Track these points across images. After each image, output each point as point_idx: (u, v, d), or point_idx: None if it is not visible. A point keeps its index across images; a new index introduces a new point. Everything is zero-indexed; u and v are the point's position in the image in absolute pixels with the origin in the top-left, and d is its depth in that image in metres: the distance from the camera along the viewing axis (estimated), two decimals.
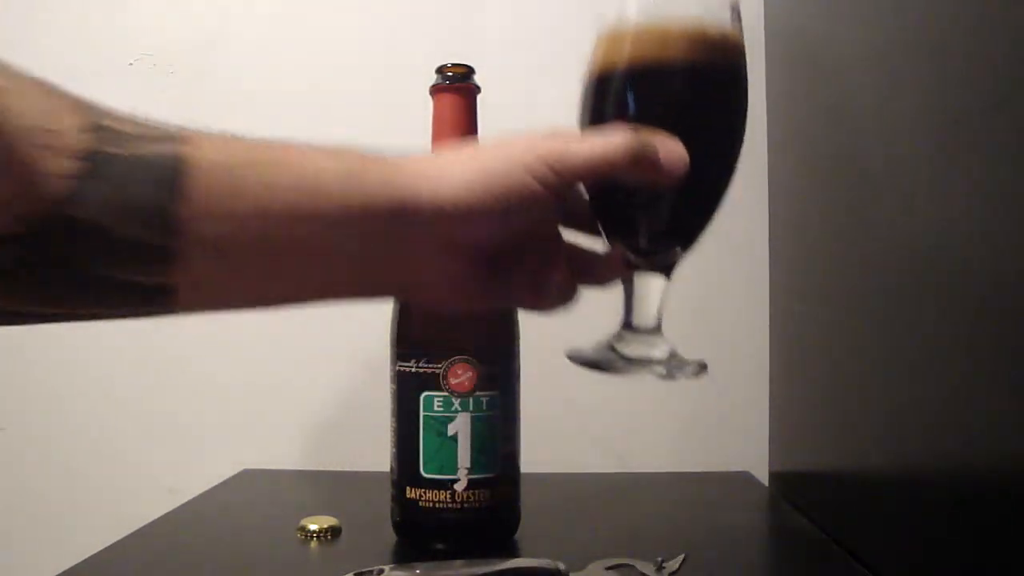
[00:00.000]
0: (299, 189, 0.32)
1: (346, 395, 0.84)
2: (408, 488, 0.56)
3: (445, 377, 0.55)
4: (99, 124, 0.28)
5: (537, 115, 0.85)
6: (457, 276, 0.36)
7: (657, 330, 0.40)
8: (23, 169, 0.26)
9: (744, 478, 0.79)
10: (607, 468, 0.82)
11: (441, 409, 0.55)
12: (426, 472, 0.55)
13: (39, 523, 0.85)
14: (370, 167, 0.34)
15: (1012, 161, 0.39)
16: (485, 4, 0.86)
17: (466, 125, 0.57)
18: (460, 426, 0.55)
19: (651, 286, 0.41)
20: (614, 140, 0.34)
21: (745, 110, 0.40)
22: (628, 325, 0.41)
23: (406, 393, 0.56)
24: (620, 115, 0.37)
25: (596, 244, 0.41)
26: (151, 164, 0.29)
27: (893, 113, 0.53)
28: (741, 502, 0.72)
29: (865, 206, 0.58)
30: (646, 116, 0.37)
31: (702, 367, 0.39)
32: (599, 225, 0.41)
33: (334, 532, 0.59)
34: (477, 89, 0.58)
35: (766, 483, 0.79)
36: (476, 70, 0.58)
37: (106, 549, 0.56)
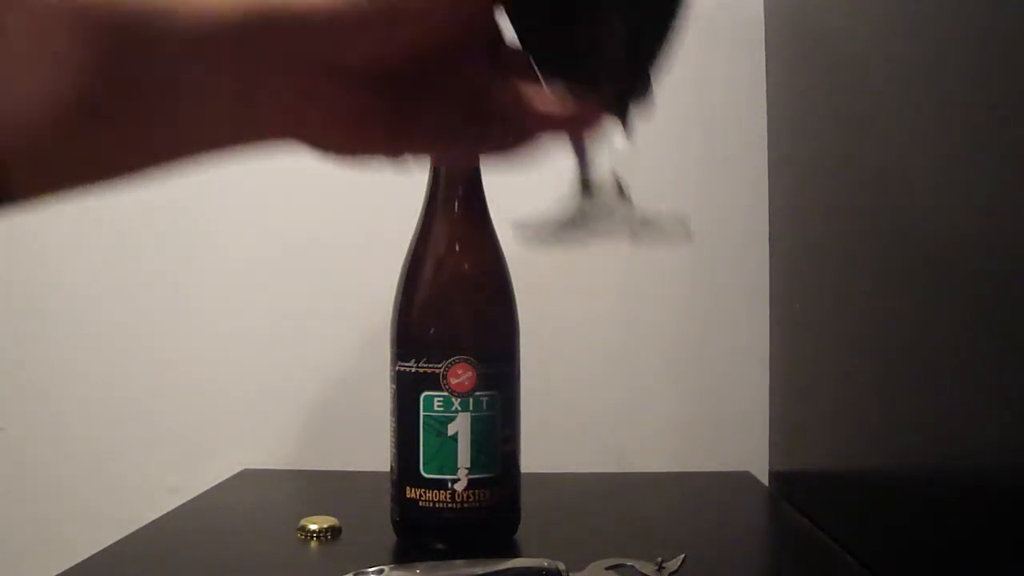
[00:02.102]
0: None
1: (346, 395, 0.84)
2: (408, 488, 0.56)
3: (445, 377, 0.55)
4: None
5: None
6: (354, 111, 0.29)
7: (621, 191, 0.33)
8: None
9: (744, 478, 0.79)
10: (607, 468, 0.82)
11: (441, 409, 0.55)
12: (426, 472, 0.55)
13: (39, 523, 0.85)
14: None
15: (1016, 157, 0.39)
16: None
17: None
18: (460, 426, 0.55)
19: (608, 139, 0.33)
20: None
21: None
22: (585, 184, 0.33)
23: (406, 393, 0.56)
24: None
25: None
26: None
27: (896, 110, 0.53)
28: (741, 502, 0.72)
29: (866, 205, 0.58)
30: None
31: (680, 224, 0.32)
32: (532, 59, 0.32)
33: (334, 532, 0.59)
34: None
35: (766, 483, 0.79)
36: None
37: (106, 549, 0.56)
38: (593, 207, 0.33)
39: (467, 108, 0.31)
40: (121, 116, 0.26)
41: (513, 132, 0.32)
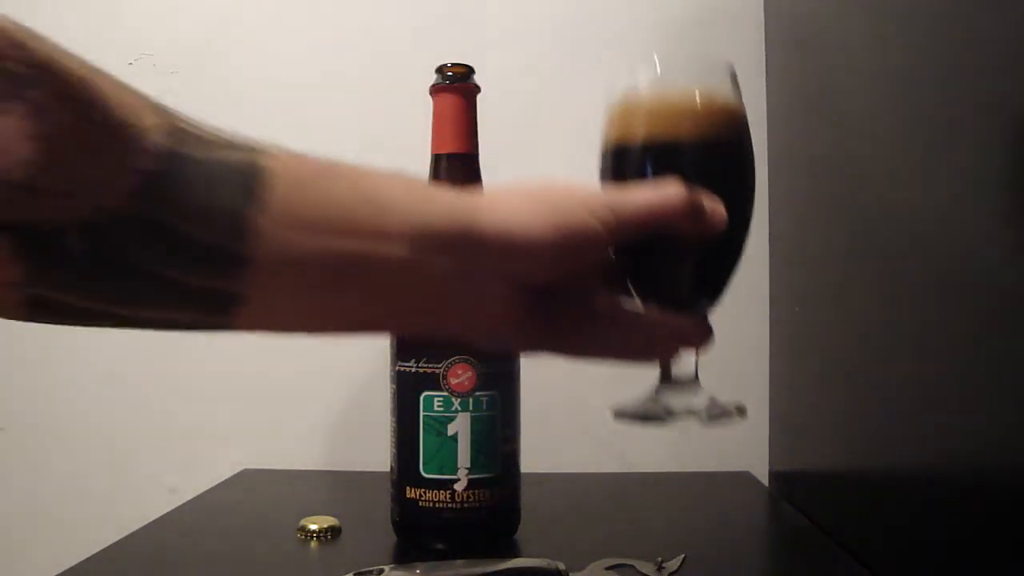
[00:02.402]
0: (370, 204, 0.31)
1: (346, 395, 0.84)
2: (408, 488, 0.56)
3: (445, 377, 0.55)
4: (176, 126, 0.28)
5: (537, 115, 0.85)
6: (510, 313, 0.35)
7: (695, 379, 0.42)
8: (110, 159, 0.26)
9: (744, 478, 0.79)
10: (607, 468, 0.82)
11: (441, 409, 0.55)
12: (426, 472, 0.55)
13: (39, 523, 0.85)
14: (435, 193, 0.34)
15: (1013, 158, 0.39)
16: (485, 4, 0.86)
17: (466, 125, 0.57)
18: (460, 426, 0.55)
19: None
20: (670, 190, 0.35)
21: (753, 168, 0.42)
22: (667, 377, 0.43)
23: (406, 393, 0.56)
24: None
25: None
26: (230, 169, 0.29)
27: (897, 110, 0.53)
28: (741, 502, 0.72)
29: (866, 205, 0.58)
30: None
31: (740, 410, 0.41)
32: (630, 285, 0.41)
33: (334, 532, 0.59)
34: (477, 89, 0.58)
35: (766, 483, 0.79)
36: (476, 70, 0.58)
37: (106, 549, 0.56)
38: (673, 398, 0.42)
39: (592, 319, 0.38)
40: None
41: (623, 340, 0.39)
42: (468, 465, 0.55)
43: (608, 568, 0.52)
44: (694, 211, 0.35)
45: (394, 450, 0.58)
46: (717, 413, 0.42)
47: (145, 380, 0.85)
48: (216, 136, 0.30)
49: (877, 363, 0.56)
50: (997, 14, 0.41)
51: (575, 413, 0.83)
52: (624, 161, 0.42)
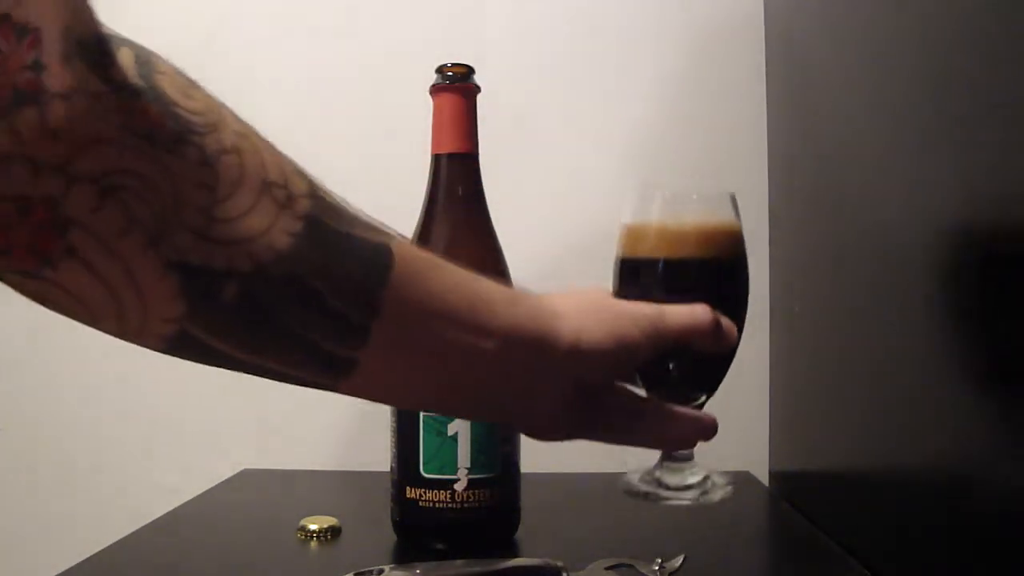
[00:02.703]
0: (470, 300, 0.35)
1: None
2: (408, 488, 0.56)
3: None
4: (316, 192, 0.31)
5: (537, 115, 0.85)
6: (561, 408, 0.40)
7: (691, 457, 0.49)
8: (263, 214, 0.29)
9: (744, 478, 0.78)
10: (607, 468, 0.82)
11: None
12: (426, 472, 0.55)
13: (39, 523, 0.85)
14: (521, 296, 0.39)
15: (1009, 166, 0.39)
16: (485, 4, 0.86)
17: (466, 125, 0.57)
18: (460, 426, 0.55)
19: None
20: (699, 313, 0.42)
21: (747, 281, 0.50)
22: (668, 455, 0.50)
23: None
24: (650, 297, 0.46)
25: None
26: (366, 247, 0.32)
27: (897, 111, 0.53)
28: (741, 502, 0.72)
29: (866, 206, 0.58)
30: (674, 298, 0.46)
31: (729, 489, 0.48)
32: (640, 379, 0.49)
33: (334, 532, 0.59)
34: (477, 89, 0.58)
35: (766, 483, 0.79)
36: (476, 70, 0.58)
37: (106, 549, 0.56)
38: (672, 477, 0.50)
39: (622, 413, 0.44)
40: None
41: (645, 430, 0.45)
42: (468, 465, 0.55)
43: (608, 568, 0.52)
44: (717, 330, 0.42)
45: (394, 450, 0.58)
46: (707, 492, 0.49)
47: (145, 380, 0.85)
48: (350, 210, 0.32)
49: (877, 363, 0.56)
50: (992, 20, 0.41)
51: None
52: (635, 276, 0.50)
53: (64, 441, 0.86)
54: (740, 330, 0.50)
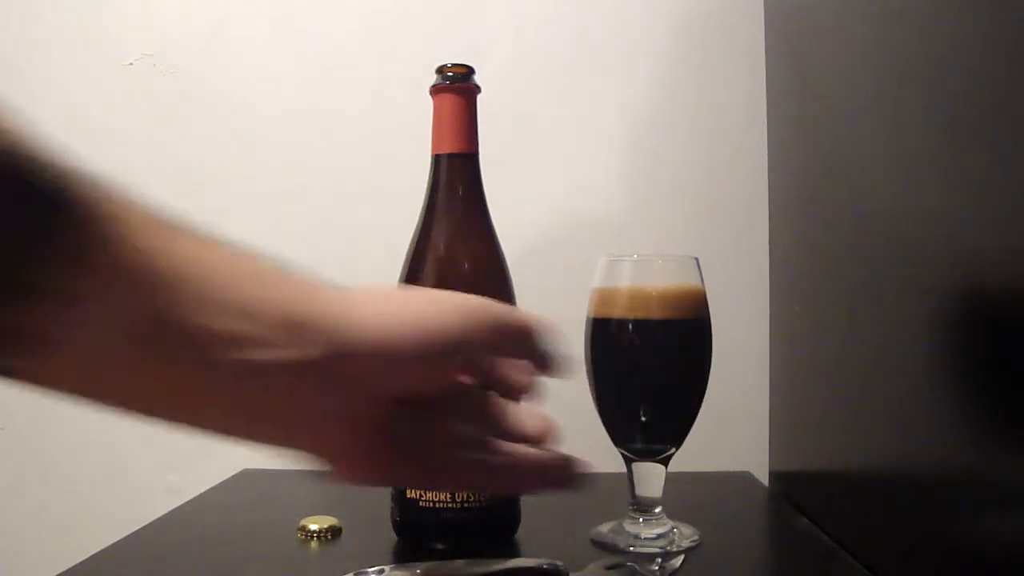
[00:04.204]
0: (212, 273, 0.29)
1: None
2: (408, 488, 0.56)
3: None
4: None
5: (537, 115, 0.85)
6: (367, 432, 0.33)
7: (659, 508, 0.57)
8: None
9: (744, 478, 0.79)
10: (607, 468, 0.82)
11: None
12: None
13: (39, 523, 0.85)
14: (278, 276, 0.31)
15: (1014, 163, 0.39)
16: (485, 4, 0.86)
17: (466, 125, 0.57)
18: None
19: (653, 472, 0.58)
20: (528, 316, 0.36)
21: (710, 340, 0.56)
22: (636, 506, 0.56)
23: None
24: (619, 355, 0.55)
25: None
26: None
27: (896, 111, 0.53)
28: (741, 502, 0.72)
29: (866, 206, 0.58)
30: (638, 355, 0.55)
31: (695, 539, 0.55)
32: (608, 431, 0.57)
33: (334, 532, 0.59)
34: (477, 89, 0.58)
35: (766, 483, 0.79)
36: (476, 70, 0.58)
37: (106, 549, 0.56)
38: (640, 528, 0.56)
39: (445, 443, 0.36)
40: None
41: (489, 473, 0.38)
42: None
43: (608, 568, 0.52)
44: (539, 334, 0.37)
45: None
46: (676, 540, 0.55)
47: None
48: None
49: (877, 363, 0.56)
50: (993, 18, 0.41)
51: (575, 413, 0.83)
52: (603, 335, 0.56)
53: (64, 441, 0.85)
54: (704, 384, 0.55)
